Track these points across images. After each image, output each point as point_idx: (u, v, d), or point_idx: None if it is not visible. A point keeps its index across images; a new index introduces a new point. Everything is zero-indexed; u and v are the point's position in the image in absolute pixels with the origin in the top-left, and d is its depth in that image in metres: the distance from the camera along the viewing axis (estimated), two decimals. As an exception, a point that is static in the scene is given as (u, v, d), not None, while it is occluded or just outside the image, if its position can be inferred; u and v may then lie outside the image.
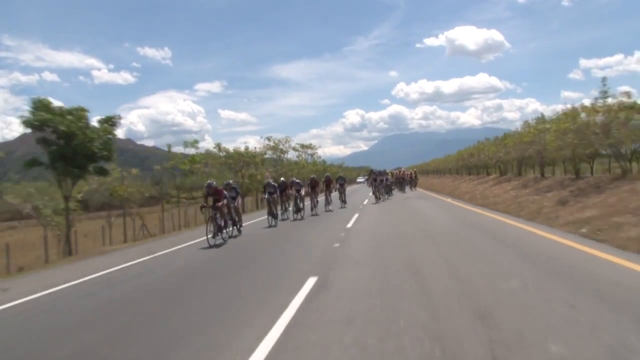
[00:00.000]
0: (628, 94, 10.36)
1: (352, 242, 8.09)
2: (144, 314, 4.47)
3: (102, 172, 13.76)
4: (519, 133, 19.10)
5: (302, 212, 14.51)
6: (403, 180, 29.55)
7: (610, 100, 10.39)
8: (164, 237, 13.80)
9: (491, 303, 3.72)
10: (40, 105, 11.67)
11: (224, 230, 9.92)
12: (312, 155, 37.13)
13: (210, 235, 9.25)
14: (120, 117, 13.78)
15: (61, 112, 11.93)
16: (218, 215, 9.55)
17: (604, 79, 10.91)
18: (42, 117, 11.44)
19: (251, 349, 3.11)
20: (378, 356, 2.82)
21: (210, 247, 8.94)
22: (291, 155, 33.60)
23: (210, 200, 9.76)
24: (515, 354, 2.72)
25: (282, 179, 17.13)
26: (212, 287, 5.39)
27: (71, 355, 3.42)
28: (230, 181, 12.95)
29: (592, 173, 13.55)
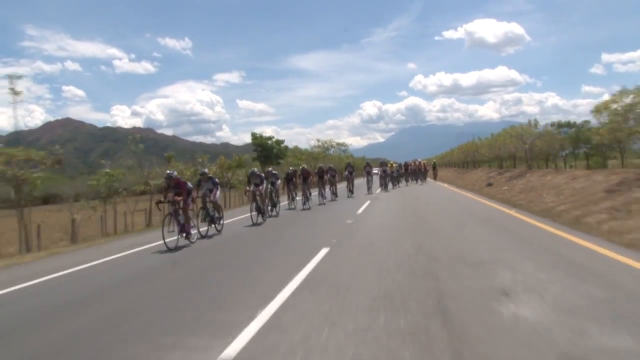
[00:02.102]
0: None
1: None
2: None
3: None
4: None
5: (309, 202, 14.89)
6: (418, 171, 29.59)
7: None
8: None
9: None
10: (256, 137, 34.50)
11: (209, 227, 8.99)
12: (344, 150, 48.15)
13: (170, 238, 7.60)
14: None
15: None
16: (180, 211, 8.06)
17: None
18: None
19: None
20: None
21: (169, 250, 7.41)
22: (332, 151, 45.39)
23: (171, 194, 8.16)
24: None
25: (291, 168, 17.20)
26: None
27: None
28: (270, 168, 14.15)
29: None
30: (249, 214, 11.14)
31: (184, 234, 8.17)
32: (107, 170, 16.21)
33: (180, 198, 8.06)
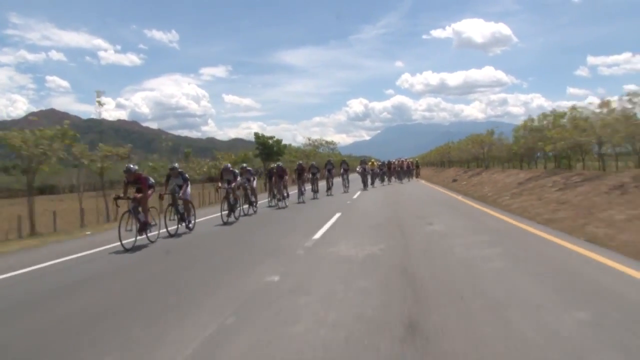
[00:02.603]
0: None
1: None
2: None
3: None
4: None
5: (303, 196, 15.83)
6: (400, 170, 29.67)
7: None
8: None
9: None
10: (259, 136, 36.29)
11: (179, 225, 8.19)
12: (333, 149, 52.23)
13: (127, 240, 7.16)
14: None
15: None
16: (139, 208, 7.61)
17: None
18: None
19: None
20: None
21: (126, 250, 7.01)
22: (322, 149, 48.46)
23: (132, 190, 7.79)
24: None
25: (279, 163, 17.76)
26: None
27: None
28: (245, 164, 13.74)
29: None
30: (219, 213, 10.58)
31: (145, 233, 7.79)
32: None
33: (140, 195, 7.64)
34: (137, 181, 7.78)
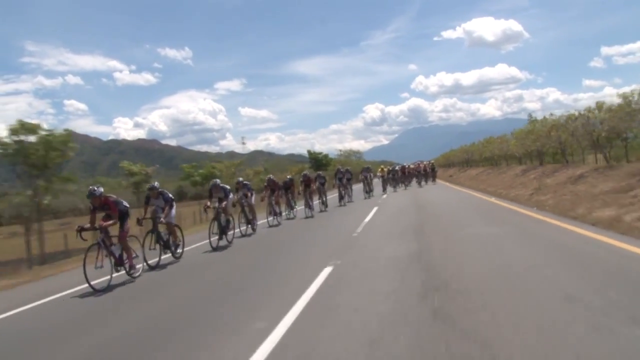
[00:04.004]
0: None
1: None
2: None
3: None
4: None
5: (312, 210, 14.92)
6: (419, 174, 28.69)
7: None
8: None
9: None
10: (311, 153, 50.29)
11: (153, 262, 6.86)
12: (359, 157, 59.97)
13: (97, 280, 6.09)
14: None
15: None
16: (109, 242, 6.50)
17: None
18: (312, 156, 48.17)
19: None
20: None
21: (95, 291, 5.94)
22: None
23: (100, 219, 6.66)
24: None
25: (288, 176, 16.67)
26: None
27: None
28: (241, 179, 12.09)
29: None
30: (208, 239, 9.08)
31: (124, 268, 6.73)
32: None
33: (109, 223, 6.50)
34: (104, 206, 6.61)
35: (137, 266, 7.10)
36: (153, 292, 6.07)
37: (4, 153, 14.83)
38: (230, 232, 9.92)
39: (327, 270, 5.77)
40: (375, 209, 14.57)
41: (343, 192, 18.62)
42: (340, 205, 17.69)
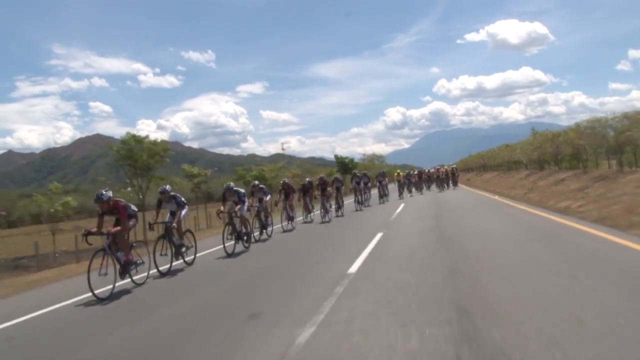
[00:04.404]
0: None
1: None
2: None
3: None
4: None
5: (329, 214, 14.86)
6: (437, 178, 28.40)
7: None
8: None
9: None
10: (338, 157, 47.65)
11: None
12: (381, 160, 61.52)
13: (101, 289, 5.81)
14: None
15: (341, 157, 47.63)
16: (116, 248, 6.25)
17: None
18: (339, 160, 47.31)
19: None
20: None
21: (99, 300, 5.66)
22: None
23: (110, 223, 6.46)
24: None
25: (307, 179, 16.61)
26: None
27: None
28: (257, 182, 12.18)
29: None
30: (222, 244, 8.69)
31: (129, 276, 6.46)
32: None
33: (117, 229, 6.21)
34: (114, 211, 6.36)
35: (141, 275, 6.82)
36: (157, 301, 5.74)
37: (117, 157, 18.21)
38: (250, 237, 9.67)
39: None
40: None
41: (360, 196, 18.47)
42: (357, 210, 17.46)
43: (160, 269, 7.33)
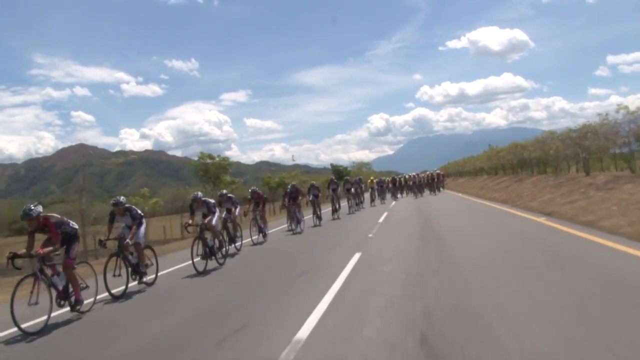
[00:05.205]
0: None
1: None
2: None
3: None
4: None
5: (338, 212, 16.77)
6: (413, 185, 28.85)
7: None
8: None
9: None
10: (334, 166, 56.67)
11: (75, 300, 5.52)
12: (368, 167, 64.21)
13: (28, 323, 4.89)
14: None
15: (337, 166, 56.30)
16: (52, 271, 5.38)
17: None
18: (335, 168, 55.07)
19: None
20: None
21: (26, 335, 4.71)
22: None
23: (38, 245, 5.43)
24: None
25: (293, 183, 15.95)
26: None
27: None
28: (225, 191, 11.15)
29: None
30: (190, 261, 7.66)
31: (68, 303, 5.48)
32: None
33: (48, 250, 5.26)
34: (44, 229, 5.38)
35: (87, 301, 5.81)
36: (104, 333, 4.81)
37: (194, 170, 26.15)
38: (223, 250, 8.74)
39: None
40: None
41: (352, 201, 19.93)
42: (334, 219, 16.74)
43: (114, 291, 6.36)
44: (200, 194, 8.55)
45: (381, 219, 14.57)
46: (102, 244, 6.68)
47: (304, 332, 3.86)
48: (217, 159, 26.62)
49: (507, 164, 27.45)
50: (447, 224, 11.56)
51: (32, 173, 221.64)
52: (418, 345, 3.28)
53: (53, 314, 5.29)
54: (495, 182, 25.18)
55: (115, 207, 6.83)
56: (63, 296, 5.45)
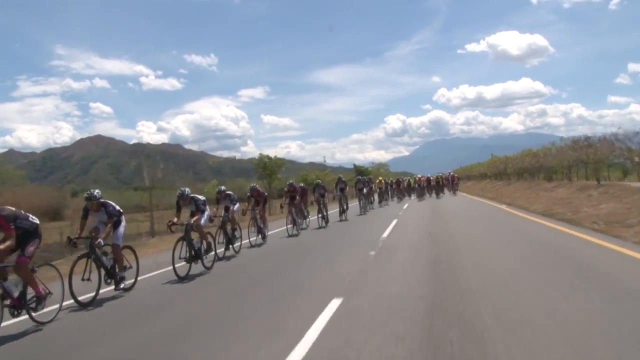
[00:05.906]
0: None
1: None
2: None
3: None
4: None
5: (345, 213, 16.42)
6: (419, 187, 29.42)
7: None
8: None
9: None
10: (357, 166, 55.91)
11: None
12: (386, 168, 64.26)
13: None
14: None
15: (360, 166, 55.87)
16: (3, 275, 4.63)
17: None
18: (358, 168, 54.35)
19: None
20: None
21: None
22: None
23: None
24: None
25: (300, 183, 15.41)
26: None
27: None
28: (223, 187, 10.09)
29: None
30: (171, 265, 6.85)
31: (26, 311, 4.79)
32: None
33: (4, 247, 4.51)
34: (1, 227, 4.62)
35: (50, 308, 5.13)
36: (57, 352, 4.12)
37: (255, 168, 30.63)
38: (212, 254, 7.97)
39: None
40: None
41: (363, 201, 19.45)
42: (361, 215, 17.58)
43: (80, 298, 5.64)
44: (188, 189, 7.74)
45: (392, 224, 13.51)
46: (71, 242, 5.98)
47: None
48: (274, 158, 31.26)
49: (503, 172, 34.70)
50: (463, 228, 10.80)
51: (50, 162, 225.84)
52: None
53: (4, 323, 4.57)
54: (492, 185, 33.94)
55: (89, 201, 6.07)
56: (18, 304, 4.72)
